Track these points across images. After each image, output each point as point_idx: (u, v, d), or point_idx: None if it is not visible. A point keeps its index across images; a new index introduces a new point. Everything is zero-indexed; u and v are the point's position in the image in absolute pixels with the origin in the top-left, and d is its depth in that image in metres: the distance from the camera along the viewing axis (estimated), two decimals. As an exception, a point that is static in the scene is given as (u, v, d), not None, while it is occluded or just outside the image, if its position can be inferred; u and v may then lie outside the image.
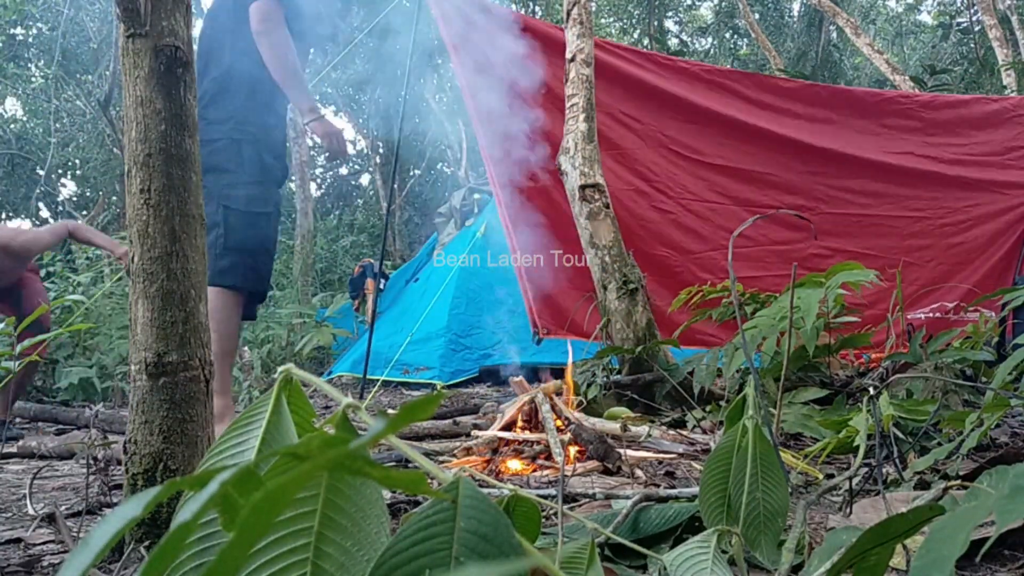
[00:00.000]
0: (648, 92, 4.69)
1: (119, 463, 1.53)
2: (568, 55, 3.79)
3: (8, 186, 15.07)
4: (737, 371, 2.78)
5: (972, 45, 12.70)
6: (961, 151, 5.13)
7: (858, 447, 1.54)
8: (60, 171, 15.96)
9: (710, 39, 19.74)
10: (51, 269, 6.08)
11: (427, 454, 2.30)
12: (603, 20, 19.61)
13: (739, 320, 1.38)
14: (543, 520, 1.14)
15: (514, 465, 2.12)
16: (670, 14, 19.86)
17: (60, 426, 3.78)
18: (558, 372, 3.22)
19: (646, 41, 18.73)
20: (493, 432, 2.30)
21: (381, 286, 6.33)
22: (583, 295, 4.09)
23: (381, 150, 17.19)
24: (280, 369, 0.58)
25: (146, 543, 1.19)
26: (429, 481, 0.40)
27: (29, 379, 3.72)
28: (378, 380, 5.02)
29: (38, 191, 15.40)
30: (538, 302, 4.27)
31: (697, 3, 20.75)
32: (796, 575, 1.02)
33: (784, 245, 4.80)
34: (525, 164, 4.12)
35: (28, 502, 1.71)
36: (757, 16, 15.79)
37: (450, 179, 14.86)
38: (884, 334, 3.36)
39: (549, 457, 2.10)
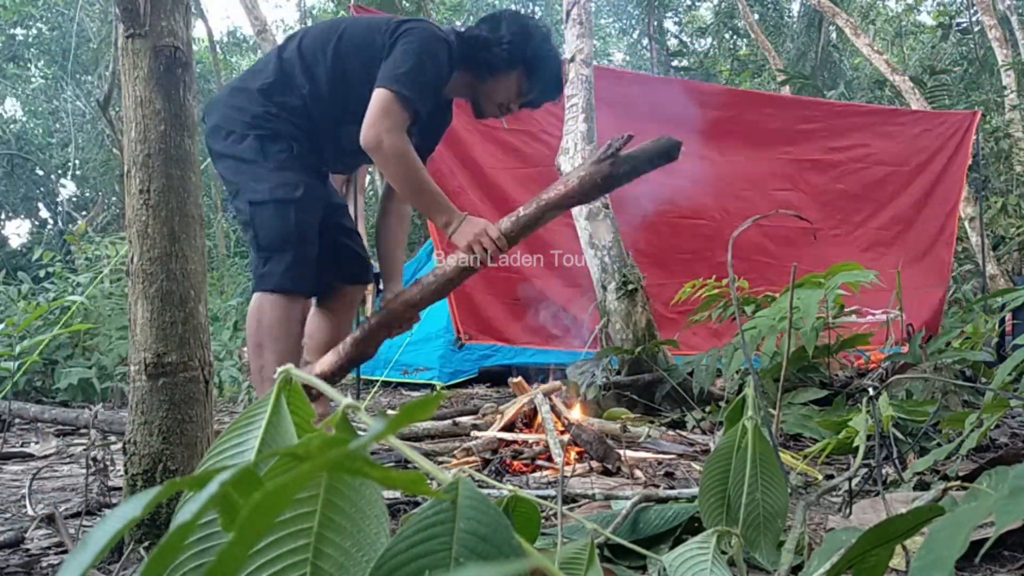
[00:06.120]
0: None
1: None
2: (568, 55, 3.79)
3: (8, 186, 15.07)
4: (736, 372, 2.78)
5: (972, 45, 12.71)
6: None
7: (858, 448, 1.54)
8: (60, 171, 15.96)
9: (709, 39, 19.73)
10: (50, 269, 6.04)
11: (427, 455, 2.29)
12: (603, 20, 19.63)
13: (739, 320, 1.39)
14: (543, 521, 1.13)
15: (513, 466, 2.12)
16: (669, 14, 19.87)
17: (60, 426, 3.77)
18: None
19: (645, 41, 18.75)
20: (493, 433, 2.30)
21: (380, 287, 6.29)
22: (505, 301, 4.20)
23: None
24: (279, 369, 0.58)
25: (146, 543, 1.19)
26: (429, 482, 0.40)
27: None
28: (377, 381, 5.00)
29: (38, 191, 15.40)
30: (460, 307, 4.27)
31: (697, 3, 20.76)
32: (796, 576, 1.02)
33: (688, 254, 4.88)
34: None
35: (28, 503, 1.71)
36: (757, 16, 15.79)
37: (450, 179, 14.83)
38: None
39: (549, 458, 2.10)
